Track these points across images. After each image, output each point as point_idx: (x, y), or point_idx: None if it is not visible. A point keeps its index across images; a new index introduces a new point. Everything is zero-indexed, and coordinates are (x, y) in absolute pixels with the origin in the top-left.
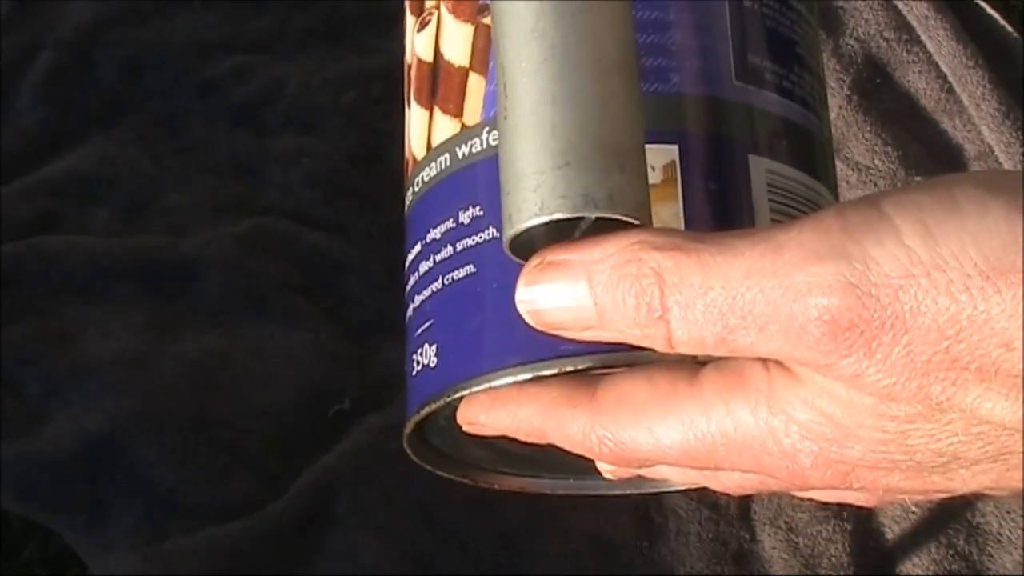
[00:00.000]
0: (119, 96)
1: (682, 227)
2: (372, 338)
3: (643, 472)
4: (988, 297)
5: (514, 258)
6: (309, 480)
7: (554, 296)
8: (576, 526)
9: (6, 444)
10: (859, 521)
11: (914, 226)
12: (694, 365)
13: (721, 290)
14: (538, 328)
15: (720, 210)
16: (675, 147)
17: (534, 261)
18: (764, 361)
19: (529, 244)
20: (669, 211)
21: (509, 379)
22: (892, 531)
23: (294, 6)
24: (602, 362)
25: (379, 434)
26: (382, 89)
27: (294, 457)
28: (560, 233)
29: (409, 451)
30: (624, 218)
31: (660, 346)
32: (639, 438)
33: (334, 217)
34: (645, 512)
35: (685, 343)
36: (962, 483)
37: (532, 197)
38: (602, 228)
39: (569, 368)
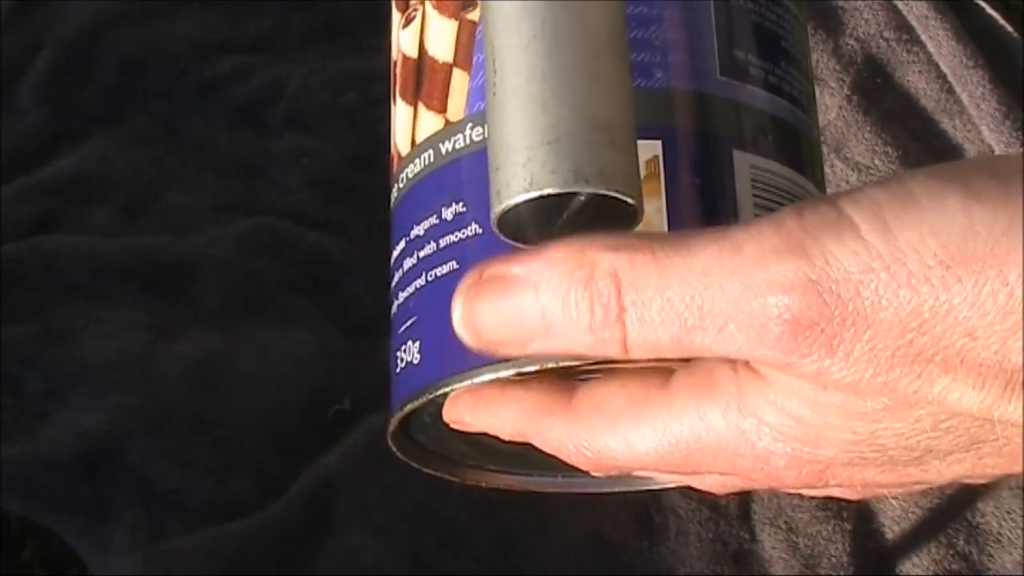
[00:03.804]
0: (119, 96)
1: (665, 222)
2: (372, 338)
3: None
4: (949, 287)
5: (502, 236)
6: (309, 480)
7: (496, 311)
8: (576, 526)
9: (6, 444)
10: (859, 521)
11: (872, 222)
12: (666, 371)
13: (679, 289)
14: (477, 348)
15: (704, 205)
16: (658, 142)
17: (470, 278)
18: (733, 363)
19: (517, 222)
20: (652, 206)
21: (491, 375)
22: (892, 531)
23: (294, 6)
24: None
25: (379, 434)
26: (382, 89)
27: (294, 457)
28: (548, 212)
29: (394, 448)
30: (615, 194)
31: (614, 351)
32: (614, 446)
33: (334, 217)
34: (645, 512)
35: (640, 346)
36: (937, 474)
37: (522, 172)
38: (591, 209)
39: (551, 364)
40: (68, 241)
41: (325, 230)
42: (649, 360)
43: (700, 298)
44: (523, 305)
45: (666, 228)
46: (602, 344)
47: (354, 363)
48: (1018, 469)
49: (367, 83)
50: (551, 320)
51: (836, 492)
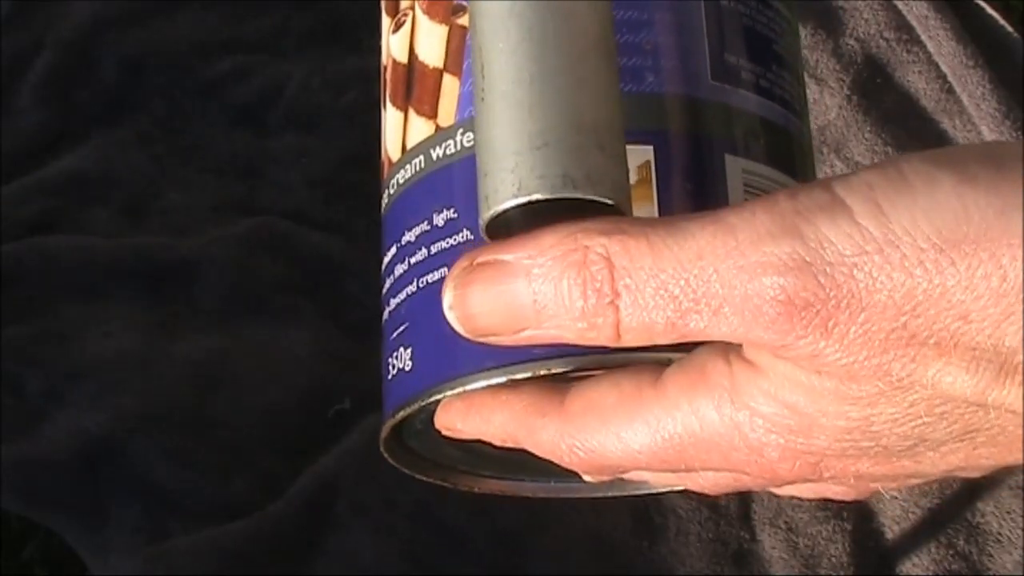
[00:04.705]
0: (119, 96)
1: None
2: (372, 338)
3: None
4: (943, 270)
5: (490, 242)
6: (309, 480)
7: (487, 298)
8: (576, 526)
9: (6, 444)
10: (859, 521)
11: (865, 205)
12: (658, 367)
13: (673, 272)
14: (469, 337)
15: (696, 210)
16: (650, 147)
17: (462, 263)
18: (726, 356)
19: (506, 228)
20: (644, 211)
21: (483, 383)
22: (892, 531)
23: (294, 6)
24: (576, 365)
25: (378, 434)
26: None
27: (294, 457)
28: (537, 217)
29: (386, 455)
30: (603, 200)
31: (606, 337)
32: (608, 444)
33: (334, 217)
34: (645, 512)
35: (634, 331)
36: (931, 465)
37: (510, 178)
38: (580, 213)
39: (543, 371)
40: (68, 241)
41: (325, 230)
42: (641, 349)
43: (695, 280)
44: (515, 291)
45: None
46: (595, 329)
47: (354, 363)
48: (1011, 460)
49: (367, 83)
50: (543, 306)
51: (830, 491)
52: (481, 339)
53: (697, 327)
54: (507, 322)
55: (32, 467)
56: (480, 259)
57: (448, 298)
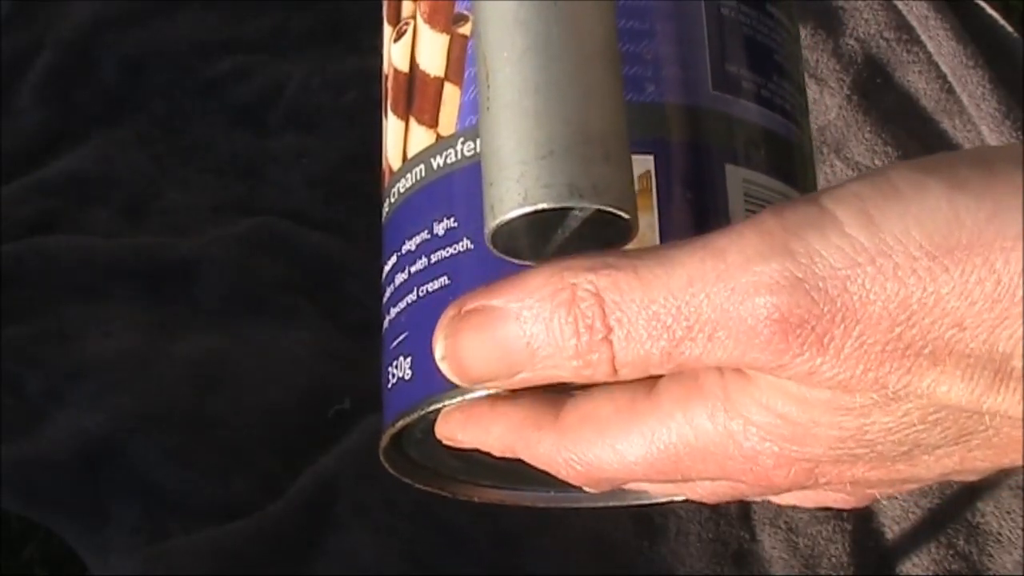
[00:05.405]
0: (119, 96)
1: (657, 237)
2: (372, 338)
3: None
4: (936, 277)
5: (496, 252)
6: (309, 480)
7: (479, 345)
8: (576, 526)
9: (6, 444)
10: (859, 521)
11: (855, 216)
12: (652, 379)
13: (664, 302)
14: (463, 383)
15: (696, 220)
16: (650, 157)
17: (449, 312)
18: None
19: (511, 238)
20: (644, 221)
21: (483, 392)
22: (892, 531)
23: (294, 6)
24: None
25: (378, 434)
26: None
27: (294, 457)
28: (542, 227)
29: (386, 464)
30: (609, 208)
31: (603, 373)
32: (604, 457)
33: (334, 217)
34: (645, 513)
35: (630, 364)
36: (927, 469)
37: (515, 187)
38: (586, 223)
39: None
40: (68, 241)
41: (325, 230)
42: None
43: (687, 308)
44: (507, 336)
45: (658, 243)
46: (590, 367)
47: (354, 363)
48: (1007, 462)
49: (367, 83)
50: (536, 348)
51: (829, 499)
52: (477, 386)
53: (693, 354)
54: (502, 367)
55: (32, 467)
56: (468, 306)
57: (439, 349)
